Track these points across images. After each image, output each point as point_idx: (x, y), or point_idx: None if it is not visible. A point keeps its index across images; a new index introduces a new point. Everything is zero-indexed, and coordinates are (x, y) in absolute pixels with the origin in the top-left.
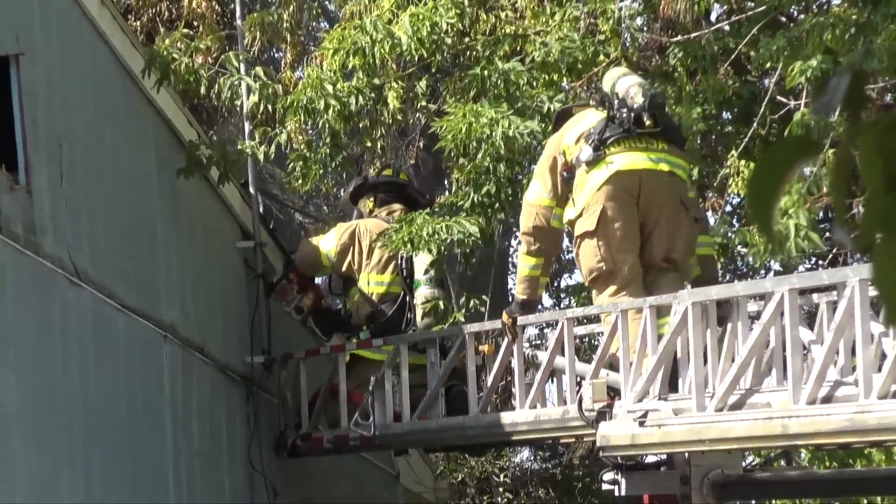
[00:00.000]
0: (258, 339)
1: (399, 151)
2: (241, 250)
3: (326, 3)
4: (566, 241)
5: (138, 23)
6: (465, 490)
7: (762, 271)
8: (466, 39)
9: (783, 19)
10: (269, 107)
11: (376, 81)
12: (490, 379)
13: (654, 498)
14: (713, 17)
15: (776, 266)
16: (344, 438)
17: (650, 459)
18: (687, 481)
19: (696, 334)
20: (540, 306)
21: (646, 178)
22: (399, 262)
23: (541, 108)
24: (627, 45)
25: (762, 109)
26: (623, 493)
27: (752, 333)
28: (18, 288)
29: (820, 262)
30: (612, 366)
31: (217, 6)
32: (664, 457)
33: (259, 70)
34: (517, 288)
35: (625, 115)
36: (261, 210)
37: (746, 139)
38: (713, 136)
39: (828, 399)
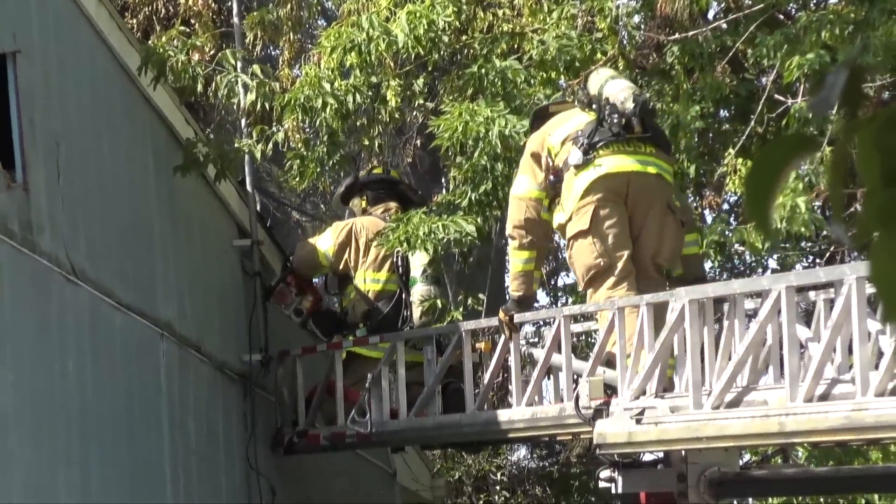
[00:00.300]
0: (255, 336)
1: (396, 150)
2: (239, 248)
3: (325, 0)
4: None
5: (135, 21)
6: (461, 488)
7: (759, 269)
8: (464, 37)
9: (781, 17)
10: (266, 105)
11: (374, 79)
12: (487, 376)
13: (650, 495)
14: (710, 15)
15: (773, 264)
16: (340, 436)
17: (647, 457)
18: (684, 479)
19: (693, 332)
20: (536, 303)
21: (634, 180)
22: (395, 259)
23: (537, 105)
24: (625, 42)
25: (760, 107)
26: (620, 490)
27: (749, 331)
28: (15, 286)
29: (817, 259)
30: (609, 363)
31: (213, 4)
32: (661, 454)
33: (256, 68)
34: (512, 285)
35: (615, 119)
36: (258, 208)
37: (744, 137)
38: (710, 135)
39: (825, 397)
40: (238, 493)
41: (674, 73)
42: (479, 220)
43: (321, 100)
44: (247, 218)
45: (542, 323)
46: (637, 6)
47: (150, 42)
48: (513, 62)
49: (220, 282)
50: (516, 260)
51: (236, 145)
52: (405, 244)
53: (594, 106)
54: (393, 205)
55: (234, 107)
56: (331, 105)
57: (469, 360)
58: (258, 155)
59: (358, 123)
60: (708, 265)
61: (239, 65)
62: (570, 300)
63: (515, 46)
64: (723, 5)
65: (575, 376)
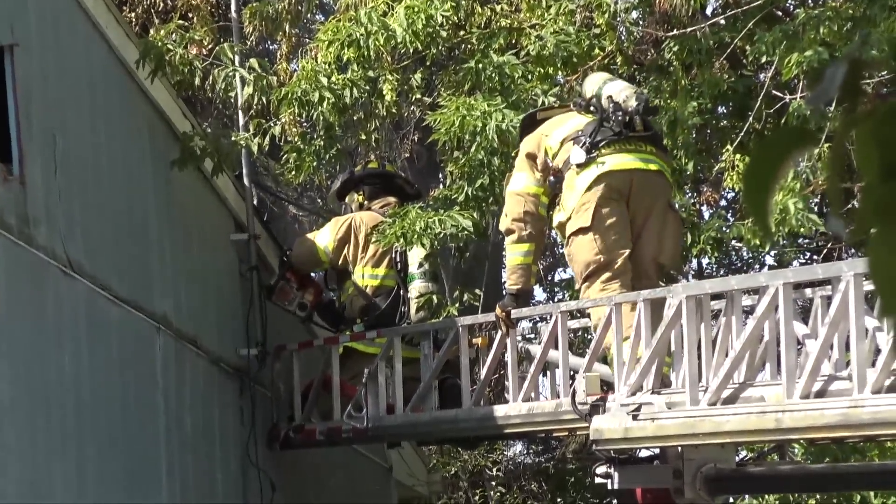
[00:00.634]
0: (252, 331)
1: (393, 144)
2: (235, 242)
3: None
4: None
5: (133, 14)
6: (457, 483)
7: (756, 265)
8: (461, 32)
9: (779, 13)
10: (264, 99)
11: (371, 74)
12: (483, 372)
13: (646, 492)
14: (709, 11)
15: (770, 260)
16: (337, 430)
17: (643, 453)
18: (680, 475)
19: (690, 328)
20: (533, 299)
21: (637, 177)
22: (393, 255)
23: (535, 102)
24: (623, 38)
25: (758, 104)
26: (616, 486)
27: (747, 327)
28: (12, 279)
29: (814, 256)
30: (606, 359)
31: None
32: (657, 451)
33: (254, 62)
34: (509, 279)
35: (619, 117)
36: (255, 202)
37: (742, 133)
38: (708, 131)
39: (821, 393)
40: (234, 487)
41: (672, 70)
42: (475, 215)
43: (318, 94)
44: (244, 212)
45: (538, 319)
46: (635, 2)
47: (148, 36)
48: (510, 57)
49: (217, 276)
50: (515, 253)
51: (233, 139)
52: (402, 239)
53: (592, 108)
54: (392, 199)
55: (232, 101)
56: (328, 99)
57: (466, 356)
58: (255, 149)
59: (355, 118)
60: (705, 261)
61: (237, 59)
62: (566, 296)
63: (513, 42)
64: (721, 1)
65: (571, 372)
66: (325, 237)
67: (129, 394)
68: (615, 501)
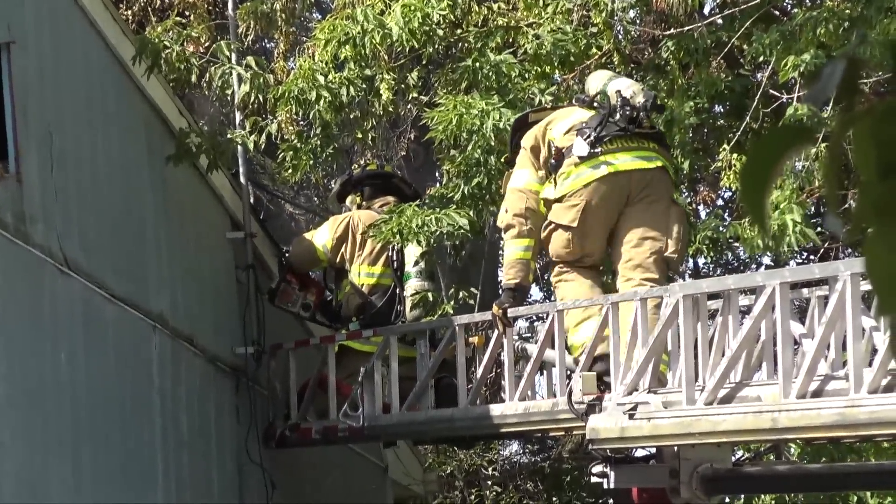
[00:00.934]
0: (249, 329)
1: (390, 143)
2: (232, 241)
3: None
4: None
5: (129, 12)
6: (453, 483)
7: (753, 265)
8: (458, 31)
9: (776, 13)
10: (260, 97)
11: (368, 72)
12: (480, 371)
13: (642, 491)
14: (706, 11)
15: (767, 260)
16: (333, 429)
17: (639, 453)
18: (676, 475)
19: (686, 327)
20: (529, 297)
21: (636, 178)
22: (390, 253)
23: (532, 101)
24: (620, 37)
25: (755, 103)
26: (612, 486)
27: (743, 327)
28: (7, 277)
29: (811, 256)
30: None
31: None
32: (653, 450)
33: (250, 60)
34: (508, 274)
35: (627, 111)
36: (251, 200)
37: (739, 133)
38: (705, 130)
39: (818, 393)
40: (230, 486)
41: (669, 69)
42: (471, 213)
43: (315, 92)
44: (240, 210)
45: (535, 318)
46: (633, 1)
47: (145, 33)
48: (507, 56)
49: (214, 274)
50: (515, 247)
51: (229, 137)
52: (398, 236)
53: (597, 104)
54: (390, 199)
55: (228, 98)
56: (325, 97)
57: (462, 355)
58: (251, 146)
59: (352, 116)
60: (702, 261)
61: (233, 56)
62: None
63: (510, 40)
64: (718, 0)
65: (568, 371)
66: (323, 236)
67: (126, 392)
68: (611, 501)
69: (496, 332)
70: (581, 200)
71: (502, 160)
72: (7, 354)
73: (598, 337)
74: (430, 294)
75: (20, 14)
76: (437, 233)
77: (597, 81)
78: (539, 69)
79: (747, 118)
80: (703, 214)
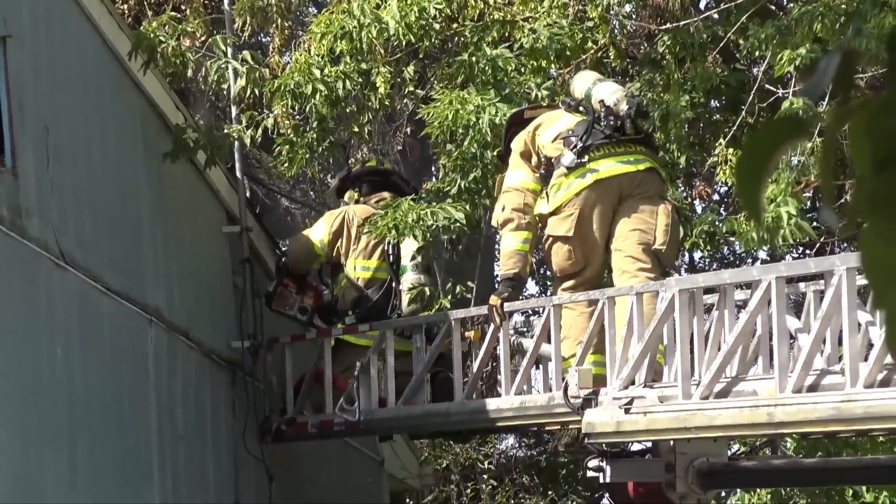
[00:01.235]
0: (245, 323)
1: (386, 137)
2: (228, 235)
3: None
4: None
5: (126, 6)
6: (449, 476)
7: (749, 259)
8: (454, 25)
9: (772, 8)
10: (256, 91)
11: (364, 66)
12: (476, 365)
13: (638, 485)
14: (702, 5)
15: (763, 255)
16: (329, 424)
17: (635, 447)
18: (672, 469)
19: (682, 322)
20: (525, 291)
21: (625, 181)
22: (386, 247)
23: (528, 95)
24: (616, 32)
25: (750, 98)
26: (608, 480)
27: (739, 321)
28: (3, 271)
29: (807, 250)
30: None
31: None
32: (649, 444)
33: (246, 54)
34: (505, 265)
35: (611, 121)
36: (247, 195)
37: (734, 127)
38: (701, 124)
39: (814, 388)
40: (226, 480)
41: (665, 63)
42: (468, 207)
43: (311, 86)
44: (236, 204)
45: (531, 312)
46: None
47: (141, 27)
48: (503, 50)
49: (209, 268)
50: (515, 239)
51: (226, 131)
52: (394, 231)
53: (582, 108)
54: (387, 194)
55: (225, 93)
56: (321, 92)
57: (458, 349)
58: (248, 141)
59: (348, 110)
60: (698, 255)
61: (229, 51)
62: None
63: (506, 35)
64: None
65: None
66: (319, 231)
67: (121, 386)
68: (607, 495)
69: (492, 326)
70: (575, 209)
71: (495, 153)
72: (2, 348)
73: (594, 331)
74: (426, 288)
75: (16, 8)
76: (434, 227)
77: (581, 85)
78: (535, 63)
79: (743, 112)
80: (699, 209)
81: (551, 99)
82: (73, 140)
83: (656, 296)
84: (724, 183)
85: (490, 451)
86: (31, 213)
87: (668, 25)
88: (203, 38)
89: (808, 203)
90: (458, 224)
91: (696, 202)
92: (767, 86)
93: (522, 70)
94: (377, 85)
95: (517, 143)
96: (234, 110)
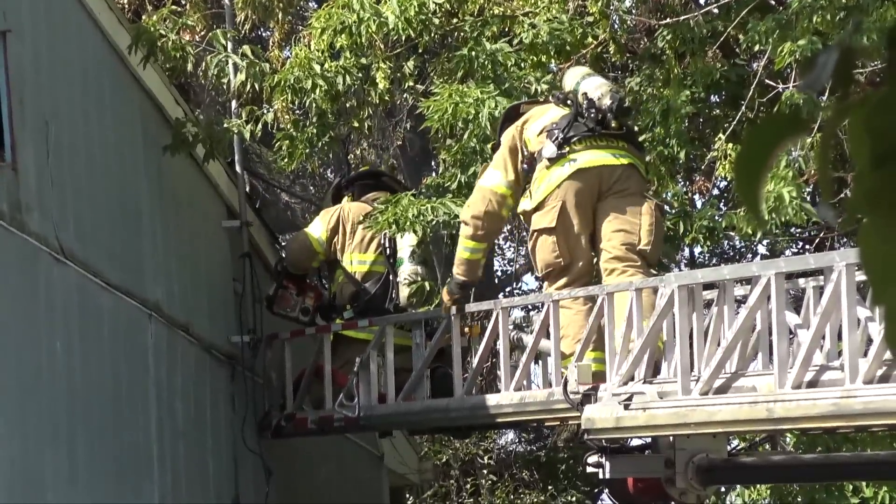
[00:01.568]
0: (244, 318)
1: (386, 132)
2: (227, 229)
3: None
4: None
5: (126, 0)
6: (449, 471)
7: (749, 255)
8: (454, 20)
9: (772, 2)
10: (256, 85)
11: (364, 61)
12: (475, 361)
13: (638, 481)
14: (702, 0)
15: (763, 250)
16: (328, 419)
17: (635, 442)
18: (671, 465)
19: (681, 318)
20: (524, 286)
21: (606, 173)
22: (382, 240)
23: (528, 90)
24: (616, 27)
25: (750, 92)
26: (607, 475)
27: (739, 317)
28: (3, 266)
29: (807, 246)
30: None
31: None
32: (649, 440)
33: (246, 48)
34: (458, 269)
35: (593, 114)
36: (247, 189)
37: (734, 122)
38: (701, 119)
39: (813, 383)
40: (225, 475)
41: (664, 58)
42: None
43: (311, 81)
44: (236, 199)
45: (530, 308)
46: None
47: (141, 22)
48: (503, 45)
49: (209, 263)
50: (465, 248)
51: (225, 126)
52: (394, 226)
53: (569, 102)
54: (380, 194)
55: (225, 87)
56: (320, 86)
57: (458, 345)
58: (247, 135)
59: (348, 105)
60: (697, 251)
61: (229, 45)
62: None
63: (506, 29)
64: None
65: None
66: (316, 228)
67: (121, 380)
68: (606, 490)
69: (492, 321)
70: (557, 202)
71: (489, 147)
72: (2, 343)
73: (594, 328)
74: (426, 284)
75: (16, 3)
76: (434, 222)
77: (571, 79)
78: (535, 58)
79: (743, 107)
80: (698, 204)
81: (551, 94)
82: (73, 135)
83: (655, 290)
84: (723, 178)
85: (490, 447)
86: (31, 207)
87: (668, 20)
88: (203, 33)
89: (808, 197)
90: (458, 219)
91: (696, 197)
92: (767, 81)
93: (522, 65)
94: (377, 80)
95: (505, 138)
96: (234, 105)
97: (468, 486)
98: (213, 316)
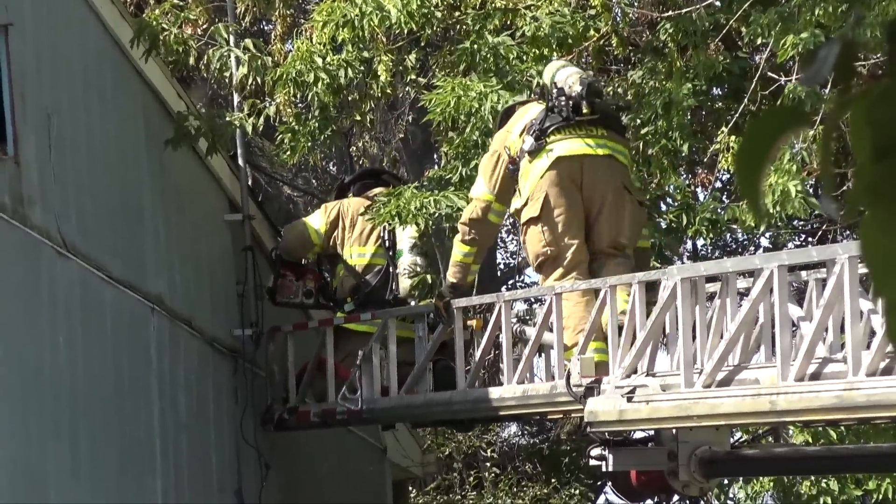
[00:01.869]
0: (247, 311)
1: (388, 125)
2: (230, 223)
3: None
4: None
5: None
6: (452, 464)
7: (752, 247)
8: (456, 13)
9: None
10: (258, 79)
11: (366, 54)
12: (478, 354)
13: (641, 474)
14: None
15: (765, 242)
16: (331, 412)
17: (638, 435)
18: (674, 457)
19: (684, 310)
20: (527, 279)
21: (587, 163)
22: (382, 233)
23: (530, 83)
24: (618, 19)
25: (753, 85)
26: (610, 468)
27: (741, 310)
28: (5, 259)
29: (809, 238)
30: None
31: None
32: (652, 433)
33: (248, 42)
34: (450, 271)
35: (563, 103)
36: (249, 183)
37: (737, 115)
38: (703, 112)
39: (816, 376)
40: (228, 467)
41: (667, 51)
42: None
43: (313, 74)
44: (238, 192)
45: (533, 301)
46: None
47: (143, 15)
48: (505, 38)
49: (211, 256)
50: (457, 250)
51: (228, 119)
52: (396, 218)
53: (546, 95)
54: (381, 190)
55: (227, 81)
56: (323, 80)
57: (460, 338)
58: (250, 129)
59: (350, 98)
60: (700, 243)
61: (231, 39)
62: None
63: (508, 22)
64: None
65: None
66: (316, 220)
67: (123, 374)
68: (609, 483)
69: (494, 314)
70: (541, 193)
71: (490, 140)
72: (4, 336)
73: (597, 321)
74: (428, 276)
75: None
76: (436, 215)
77: (547, 73)
78: (537, 51)
79: (745, 100)
80: (701, 197)
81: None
82: (75, 128)
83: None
84: (726, 170)
85: (493, 440)
86: (33, 201)
87: (671, 13)
88: (205, 26)
89: (812, 189)
90: (460, 212)
91: (699, 190)
92: (770, 73)
93: (524, 58)
94: (379, 73)
95: (494, 142)
96: (236, 98)
97: (471, 479)
98: (216, 309)
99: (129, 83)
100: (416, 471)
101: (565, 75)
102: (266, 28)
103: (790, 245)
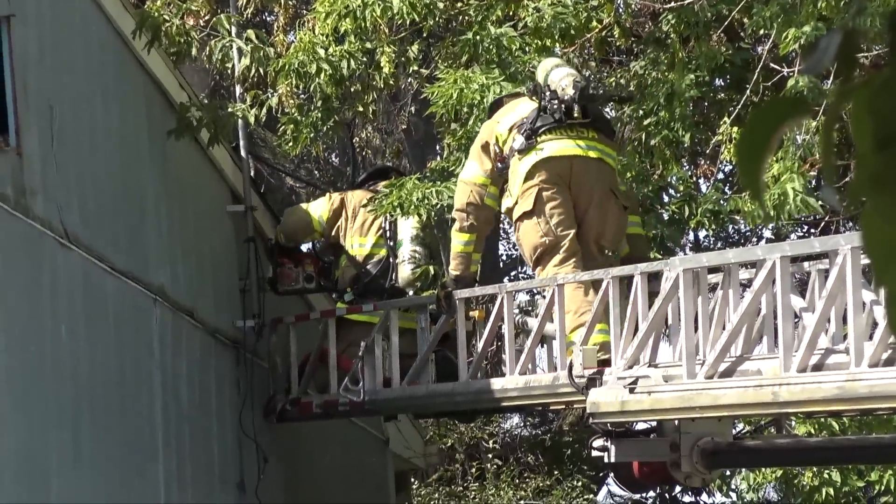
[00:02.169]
0: (249, 303)
1: (391, 116)
2: (232, 214)
3: None
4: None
5: None
6: (454, 455)
7: (754, 239)
8: (459, 4)
9: None
10: (261, 70)
11: (368, 46)
12: (480, 345)
13: (643, 465)
14: None
15: (768, 234)
16: (333, 404)
17: (640, 426)
18: (676, 448)
19: (687, 301)
20: (529, 270)
21: (576, 164)
22: (383, 223)
23: (532, 74)
24: (620, 10)
25: (755, 76)
26: (612, 459)
27: (744, 301)
28: (8, 250)
29: (812, 229)
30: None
31: None
32: (654, 424)
33: (251, 33)
34: (452, 264)
35: (556, 105)
36: (252, 174)
37: (739, 106)
38: (705, 103)
39: (818, 367)
40: (230, 459)
41: (669, 42)
42: None
43: (315, 65)
44: (240, 183)
45: (535, 292)
46: None
47: (145, 6)
48: (508, 29)
49: (214, 247)
50: (456, 241)
51: (230, 110)
52: (399, 209)
53: (538, 93)
54: (385, 183)
55: (229, 72)
56: (325, 71)
57: (462, 329)
58: (252, 120)
59: (352, 89)
60: (702, 234)
61: (234, 30)
62: None
63: (510, 14)
64: None
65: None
66: (319, 207)
67: (126, 365)
68: (612, 474)
69: (497, 305)
70: (533, 188)
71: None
72: (7, 328)
73: (599, 311)
74: (430, 268)
75: None
76: (438, 206)
77: (541, 70)
78: (539, 42)
79: (748, 91)
80: (703, 188)
81: (524, 86)
82: (78, 119)
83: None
84: (728, 162)
85: (495, 431)
86: (36, 192)
87: (673, 4)
88: (207, 17)
89: (813, 182)
90: None
91: (701, 181)
92: (772, 64)
93: (527, 49)
94: (381, 64)
95: (482, 132)
96: (238, 89)
97: (473, 470)
98: (218, 300)
99: (132, 74)
100: (419, 462)
101: (559, 77)
102: (268, 19)
103: (792, 236)
